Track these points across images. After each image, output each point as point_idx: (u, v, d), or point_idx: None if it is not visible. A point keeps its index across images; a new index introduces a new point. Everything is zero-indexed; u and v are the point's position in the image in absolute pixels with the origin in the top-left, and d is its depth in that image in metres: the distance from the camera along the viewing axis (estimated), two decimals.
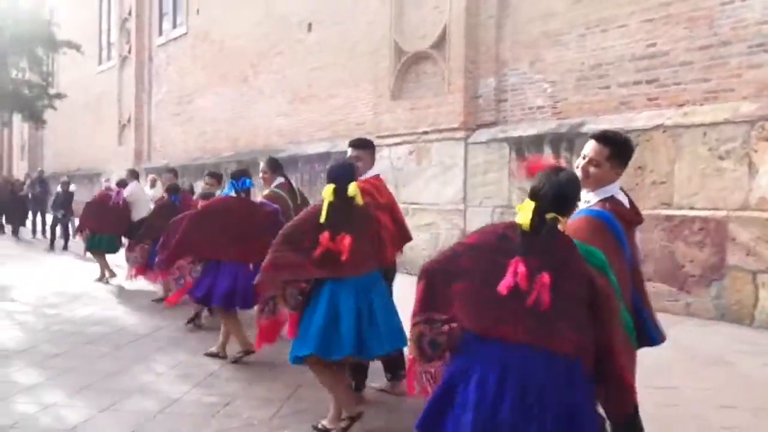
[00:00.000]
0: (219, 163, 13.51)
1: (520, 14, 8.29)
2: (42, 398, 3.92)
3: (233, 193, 4.91)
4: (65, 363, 4.73)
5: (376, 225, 3.53)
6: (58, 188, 13.67)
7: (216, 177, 6.94)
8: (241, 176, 4.94)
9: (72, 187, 14.82)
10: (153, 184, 11.26)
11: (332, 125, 11.43)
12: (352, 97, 11.01)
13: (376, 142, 9.51)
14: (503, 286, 1.92)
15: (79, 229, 9.00)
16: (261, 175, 5.33)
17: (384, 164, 9.48)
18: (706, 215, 6.02)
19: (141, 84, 19.03)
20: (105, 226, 8.59)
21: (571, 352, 1.93)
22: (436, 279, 2.11)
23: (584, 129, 7.09)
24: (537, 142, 7.68)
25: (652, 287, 6.35)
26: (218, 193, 6.29)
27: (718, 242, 5.90)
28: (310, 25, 12.09)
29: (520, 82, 8.32)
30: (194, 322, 5.95)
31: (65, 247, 12.79)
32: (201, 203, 5.76)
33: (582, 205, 2.38)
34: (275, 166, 5.33)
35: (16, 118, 23.44)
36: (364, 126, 10.54)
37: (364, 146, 3.99)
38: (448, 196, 8.79)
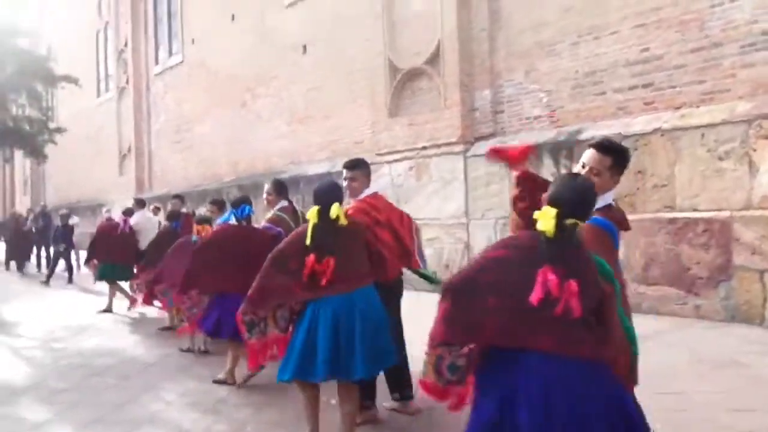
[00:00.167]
0: (220, 189, 13.56)
1: (512, 26, 8.35)
2: None
3: (234, 221, 4.91)
4: (73, 397, 4.70)
5: (372, 241, 3.56)
6: (57, 222, 13.68)
7: (218, 204, 6.95)
8: (241, 204, 4.94)
9: (74, 220, 14.84)
10: (155, 213, 11.29)
11: (331, 145, 11.47)
12: (349, 116, 11.06)
13: (375, 159, 9.66)
14: (534, 297, 1.89)
15: (89, 260, 9.02)
16: (265, 197, 5.35)
17: (384, 181, 9.51)
18: (710, 216, 5.99)
19: (140, 114, 19.16)
20: (115, 255, 8.62)
21: (602, 358, 1.96)
22: (461, 297, 2.03)
23: (582, 136, 7.10)
24: (536, 151, 7.68)
25: (659, 291, 6.33)
26: (218, 220, 6.30)
27: (723, 243, 5.87)
28: (304, 47, 12.18)
29: (516, 93, 8.35)
30: (192, 350, 5.92)
31: (70, 280, 12.77)
32: (196, 227, 5.77)
33: None
34: (280, 188, 5.35)
35: (18, 154, 23.61)
36: (363, 144, 10.58)
37: (358, 167, 3.98)
38: (450, 210, 8.78)
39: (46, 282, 12.43)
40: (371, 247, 3.53)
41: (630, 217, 6.95)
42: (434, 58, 9.05)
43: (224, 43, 14.77)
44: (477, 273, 2.03)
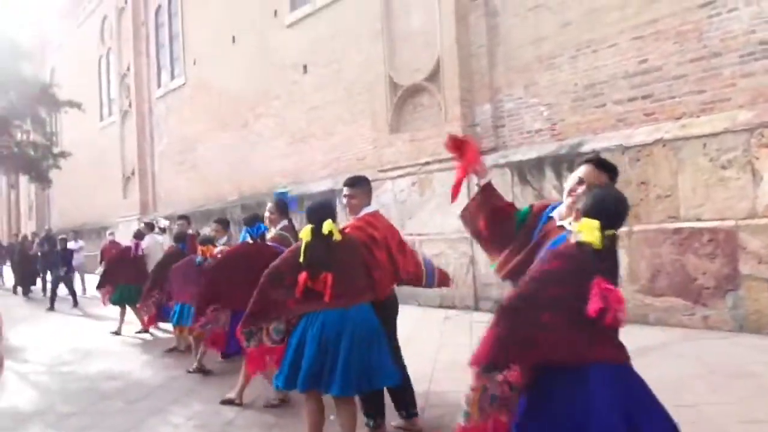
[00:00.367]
0: (224, 209, 13.60)
1: (510, 41, 8.41)
2: None
3: (249, 240, 4.90)
4: (81, 422, 4.69)
5: (368, 259, 3.59)
6: (57, 246, 13.67)
7: (222, 224, 6.96)
8: (255, 222, 4.94)
9: (78, 243, 14.86)
10: (162, 233, 11.30)
11: (333, 162, 11.52)
12: (351, 134, 11.11)
13: (377, 176, 9.69)
14: (593, 308, 1.89)
15: (102, 285, 9.05)
16: (268, 216, 5.36)
17: (387, 197, 9.53)
18: (715, 226, 5.98)
19: (143, 136, 19.30)
20: (129, 278, 8.66)
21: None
22: (517, 315, 1.97)
23: (584, 149, 7.12)
24: (538, 165, 7.71)
25: (666, 302, 6.30)
26: (223, 240, 6.31)
27: (729, 252, 5.85)
28: (305, 67, 12.29)
29: (516, 107, 8.39)
30: (203, 370, 5.92)
31: (75, 304, 12.75)
32: (200, 248, 5.78)
33: (570, 227, 2.40)
34: (283, 208, 5.36)
35: (23, 179, 23.74)
36: (365, 161, 10.62)
37: (358, 184, 3.98)
38: (454, 225, 8.76)
39: (51, 308, 12.43)
40: (367, 265, 3.58)
41: (634, 228, 6.94)
42: (434, 75, 9.11)
43: (225, 64, 14.90)
44: (536, 289, 2.00)
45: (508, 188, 8.03)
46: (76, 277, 14.83)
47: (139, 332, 8.63)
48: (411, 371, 4.02)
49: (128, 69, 19.95)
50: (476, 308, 8.27)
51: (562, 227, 2.42)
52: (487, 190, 2.95)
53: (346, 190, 3.96)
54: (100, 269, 10.16)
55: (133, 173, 19.74)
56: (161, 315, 7.29)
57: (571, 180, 2.50)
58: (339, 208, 5.00)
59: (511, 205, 2.90)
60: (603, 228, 1.98)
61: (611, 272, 1.99)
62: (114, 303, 8.92)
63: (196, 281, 5.69)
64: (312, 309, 3.33)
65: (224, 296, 4.79)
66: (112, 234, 13.58)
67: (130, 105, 19.90)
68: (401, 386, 3.78)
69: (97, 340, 8.46)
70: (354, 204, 3.89)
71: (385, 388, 3.72)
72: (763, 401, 3.98)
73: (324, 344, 3.25)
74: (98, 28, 22.65)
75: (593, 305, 1.89)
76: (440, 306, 8.56)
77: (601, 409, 1.89)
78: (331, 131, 11.58)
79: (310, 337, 3.28)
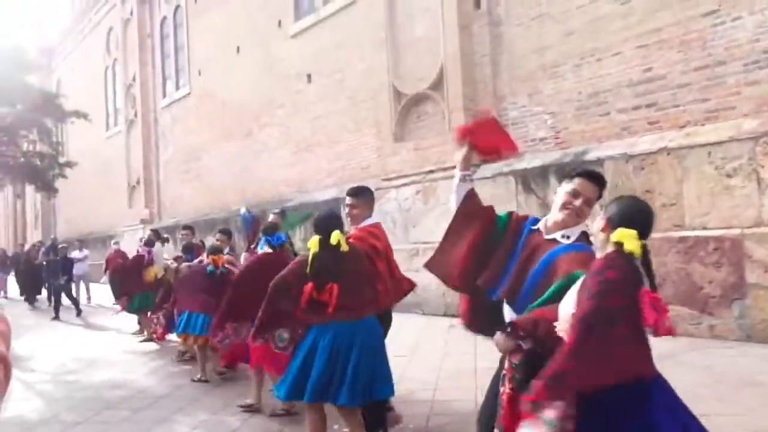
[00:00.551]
0: (228, 218, 13.62)
1: (514, 50, 8.44)
2: None
3: (268, 249, 4.87)
4: (86, 431, 4.68)
5: (370, 267, 3.58)
6: (55, 255, 13.70)
7: (226, 233, 6.96)
8: (274, 231, 4.92)
9: (81, 253, 14.87)
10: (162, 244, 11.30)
11: (338, 171, 11.54)
12: (355, 142, 11.14)
13: (382, 184, 9.70)
14: (650, 319, 1.85)
15: (120, 296, 9.09)
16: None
17: (392, 206, 9.54)
18: (720, 234, 5.96)
19: (148, 146, 19.40)
20: (143, 285, 8.69)
21: None
22: (598, 326, 1.82)
23: (588, 157, 7.12)
24: (542, 173, 7.70)
25: (672, 311, 6.26)
26: (226, 249, 6.32)
27: (735, 261, 5.83)
28: (309, 76, 12.34)
29: (520, 116, 8.40)
30: (206, 379, 5.93)
31: (78, 313, 12.75)
32: (212, 258, 5.79)
33: (563, 240, 2.38)
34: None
35: (29, 189, 23.84)
36: (369, 169, 10.64)
37: (361, 194, 3.96)
38: None
39: (56, 317, 12.46)
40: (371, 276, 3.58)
41: None
42: (438, 83, 9.14)
43: (230, 74, 14.98)
44: (600, 301, 1.86)
45: (512, 196, 8.03)
46: (81, 286, 14.86)
47: (144, 341, 8.64)
48: (416, 380, 4.01)
49: (134, 79, 20.10)
50: None
51: (554, 240, 2.38)
52: (473, 197, 2.83)
53: (348, 200, 3.94)
54: (105, 278, 10.19)
55: (138, 182, 19.83)
56: (171, 326, 7.31)
57: (563, 193, 2.45)
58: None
59: (492, 209, 2.85)
60: (639, 237, 1.98)
61: (651, 282, 1.98)
62: (132, 311, 8.97)
63: (207, 290, 5.71)
64: (319, 320, 3.33)
65: (246, 310, 4.73)
66: (117, 243, 13.60)
67: (135, 115, 20.03)
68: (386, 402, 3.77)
69: (101, 348, 8.47)
70: (356, 214, 3.88)
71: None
72: None
73: (335, 355, 3.26)
74: (104, 39, 22.84)
75: (649, 316, 1.84)
76: (445, 314, 8.54)
77: (671, 427, 1.86)
78: (336, 140, 11.61)
79: (321, 349, 3.28)
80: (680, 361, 5.22)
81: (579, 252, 2.33)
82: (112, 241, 14.20)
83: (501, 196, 8.19)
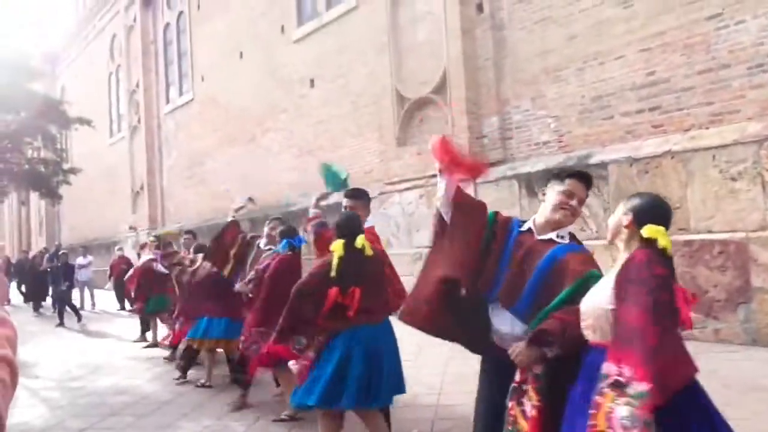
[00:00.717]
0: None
1: (517, 54, 8.44)
2: None
3: (289, 252, 4.84)
4: None
5: (387, 270, 3.60)
6: (58, 262, 13.71)
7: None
8: (295, 233, 4.91)
9: (85, 259, 14.89)
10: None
11: None
12: (358, 147, 11.16)
13: (385, 188, 9.70)
14: (686, 315, 1.87)
15: (136, 301, 9.11)
16: (268, 232, 5.37)
17: (395, 210, 9.54)
18: (725, 238, 5.94)
19: (152, 152, 19.46)
20: (157, 287, 8.70)
21: None
22: (665, 320, 1.81)
23: (592, 160, 7.10)
24: (546, 176, 7.65)
25: None
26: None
27: (741, 264, 5.80)
28: (312, 81, 12.37)
29: (524, 119, 8.40)
30: (207, 385, 5.93)
31: (79, 319, 12.73)
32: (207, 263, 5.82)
33: (559, 240, 2.39)
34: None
35: (33, 196, 23.91)
36: (373, 173, 10.64)
37: (361, 197, 3.95)
38: None
39: (60, 323, 12.46)
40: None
41: None
42: (441, 87, 9.15)
43: (233, 79, 15.02)
44: (656, 297, 1.83)
45: (516, 200, 8.02)
46: (86, 292, 14.88)
47: (147, 347, 8.64)
48: (420, 384, 4.00)
49: (137, 85, 20.17)
50: None
51: (550, 241, 2.37)
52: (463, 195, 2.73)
53: (348, 202, 3.88)
54: (110, 285, 10.21)
55: (142, 188, 19.87)
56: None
57: (556, 193, 2.44)
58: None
59: (484, 205, 2.81)
60: None
61: (673, 276, 1.99)
62: (148, 314, 8.99)
63: (219, 294, 5.69)
64: (340, 325, 3.26)
65: (275, 316, 4.68)
66: (120, 249, 13.63)
67: (139, 121, 20.09)
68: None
69: (105, 355, 8.47)
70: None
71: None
72: None
73: (370, 360, 3.25)
74: (108, 45, 22.94)
75: (685, 311, 1.86)
76: None
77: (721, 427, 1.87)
78: (339, 144, 11.63)
79: (356, 355, 3.23)
80: None
81: (583, 252, 2.36)
82: (116, 247, 14.23)
83: (505, 200, 8.18)
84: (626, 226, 2.06)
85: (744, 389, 4.54)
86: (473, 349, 2.67)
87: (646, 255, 1.94)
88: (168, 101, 18.97)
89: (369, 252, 3.38)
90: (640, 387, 1.67)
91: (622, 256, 2.06)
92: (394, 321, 4.04)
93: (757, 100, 6.03)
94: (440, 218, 2.70)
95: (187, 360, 6.41)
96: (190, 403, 5.51)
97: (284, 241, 4.86)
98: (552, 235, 2.39)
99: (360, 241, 3.34)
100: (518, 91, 8.45)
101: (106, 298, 15.27)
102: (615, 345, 1.83)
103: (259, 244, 5.60)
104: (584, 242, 2.55)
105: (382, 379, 3.26)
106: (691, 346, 2.68)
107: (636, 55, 7.03)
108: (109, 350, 8.78)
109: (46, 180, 18.74)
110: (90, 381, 6.79)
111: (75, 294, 14.30)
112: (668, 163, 6.45)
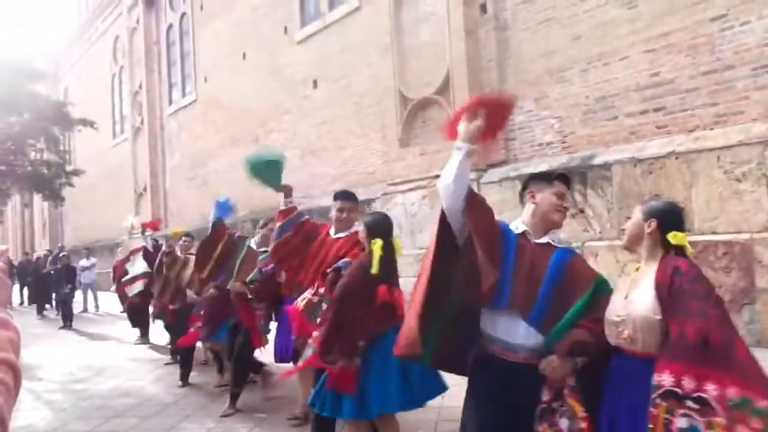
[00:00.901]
0: (235, 223, 13.63)
1: (521, 54, 8.42)
2: None
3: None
4: None
5: None
6: (58, 264, 13.72)
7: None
8: None
9: (89, 261, 14.90)
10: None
11: (344, 176, 11.54)
12: (361, 148, 11.15)
13: (388, 189, 9.69)
14: None
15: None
16: (266, 232, 5.37)
17: (398, 211, 9.52)
18: (730, 239, 5.91)
19: (155, 153, 19.48)
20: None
21: None
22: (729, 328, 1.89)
23: (595, 161, 7.09)
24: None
25: None
26: None
27: (745, 266, 5.78)
28: (315, 81, 12.37)
29: (527, 120, 8.38)
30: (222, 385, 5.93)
31: (70, 325, 12.65)
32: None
33: (557, 244, 2.37)
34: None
35: (37, 198, 23.93)
36: (375, 174, 10.64)
37: (353, 198, 3.92)
38: None
39: (64, 326, 12.46)
40: None
41: None
42: (444, 88, 9.13)
43: (236, 80, 15.03)
44: (714, 302, 1.89)
45: (519, 201, 7.99)
46: (89, 294, 14.89)
47: (151, 348, 8.66)
48: None
49: (140, 87, 20.20)
50: None
51: (548, 245, 2.33)
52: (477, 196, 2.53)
53: (341, 203, 3.80)
54: (113, 287, 10.20)
55: (145, 189, 19.90)
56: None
57: (549, 195, 2.39)
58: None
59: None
60: None
61: None
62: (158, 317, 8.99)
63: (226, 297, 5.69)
64: (388, 326, 3.11)
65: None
66: (124, 251, 13.60)
67: (142, 122, 20.12)
68: None
69: (108, 357, 8.48)
70: (348, 218, 3.76)
71: None
72: None
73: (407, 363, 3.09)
74: (111, 47, 22.98)
75: None
76: None
77: None
78: (342, 145, 11.62)
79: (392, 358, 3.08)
80: None
81: (578, 255, 2.40)
82: (119, 249, 14.23)
83: (508, 201, 8.15)
84: (650, 233, 2.04)
85: None
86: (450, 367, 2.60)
87: (691, 265, 1.97)
88: (171, 102, 18.99)
89: (400, 254, 3.37)
90: (762, 404, 1.70)
91: (648, 262, 2.06)
92: None
93: (762, 101, 6.01)
94: (444, 219, 2.45)
95: (186, 367, 6.39)
96: (194, 405, 5.51)
97: None
98: (548, 239, 2.36)
99: (398, 244, 3.34)
100: (522, 91, 8.43)
101: (110, 300, 15.28)
102: (686, 360, 1.80)
103: (249, 244, 5.60)
104: (588, 243, 2.55)
105: (417, 379, 3.19)
106: None
107: (640, 56, 7.00)
108: (112, 352, 8.79)
109: (49, 182, 18.77)
110: (93, 383, 6.79)
111: (79, 296, 14.34)
112: (672, 164, 6.43)
